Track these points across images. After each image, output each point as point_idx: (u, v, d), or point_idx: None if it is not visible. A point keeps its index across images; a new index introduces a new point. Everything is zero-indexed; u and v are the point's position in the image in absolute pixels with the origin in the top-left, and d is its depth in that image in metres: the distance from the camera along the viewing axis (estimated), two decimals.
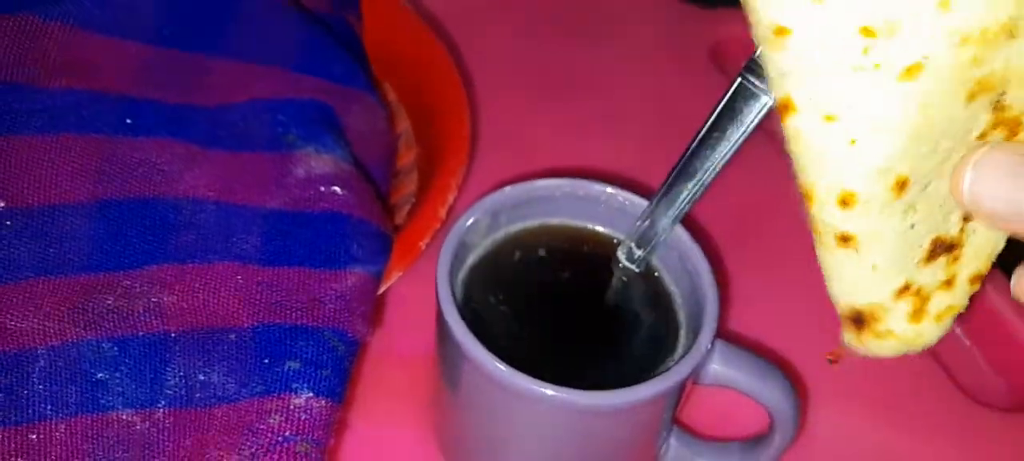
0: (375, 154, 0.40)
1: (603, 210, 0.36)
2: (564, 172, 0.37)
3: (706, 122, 0.32)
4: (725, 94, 0.32)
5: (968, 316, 0.45)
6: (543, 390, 0.29)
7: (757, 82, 0.31)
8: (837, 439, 0.40)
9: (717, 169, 0.32)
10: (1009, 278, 0.25)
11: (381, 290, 0.35)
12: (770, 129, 0.32)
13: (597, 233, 0.37)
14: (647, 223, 0.34)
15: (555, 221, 0.37)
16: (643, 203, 0.35)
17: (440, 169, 0.39)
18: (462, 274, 0.34)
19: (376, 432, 0.36)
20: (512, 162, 0.48)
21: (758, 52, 0.31)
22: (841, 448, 0.40)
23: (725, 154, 0.32)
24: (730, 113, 0.32)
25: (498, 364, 0.29)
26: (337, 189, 0.34)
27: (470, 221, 0.34)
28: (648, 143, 0.52)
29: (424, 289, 0.36)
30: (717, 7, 0.62)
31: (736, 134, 0.32)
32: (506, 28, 0.58)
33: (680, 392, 0.32)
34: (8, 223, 0.31)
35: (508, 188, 0.35)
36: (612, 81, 0.57)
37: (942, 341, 0.45)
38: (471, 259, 0.35)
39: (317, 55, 0.39)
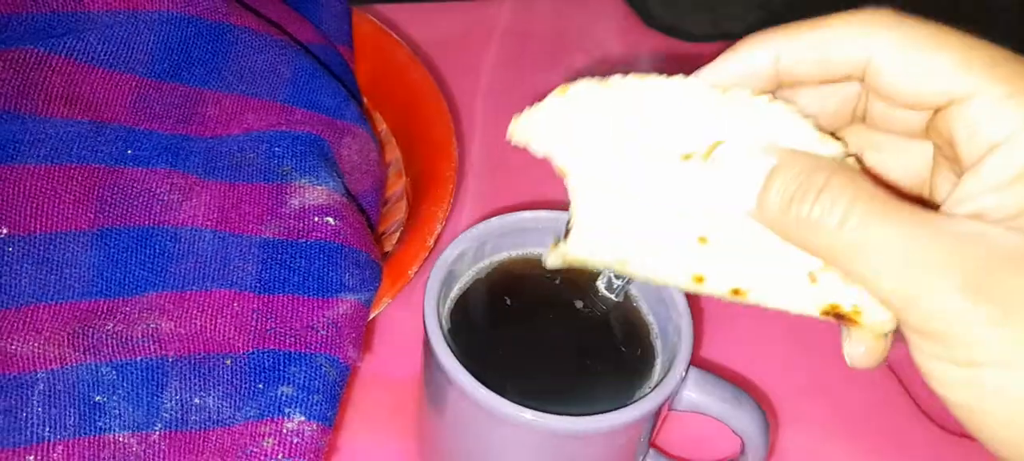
0: (366, 184, 0.41)
1: None
2: (548, 202, 0.39)
3: None
4: None
5: None
6: (525, 415, 0.30)
7: None
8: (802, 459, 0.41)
9: None
10: None
11: (371, 316, 0.36)
12: None
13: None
14: None
15: (538, 251, 0.38)
16: None
17: (428, 198, 0.41)
18: (449, 301, 0.36)
19: (364, 453, 0.37)
20: (499, 191, 0.49)
21: None
22: None
23: None
24: None
25: (481, 389, 0.30)
26: (330, 219, 0.35)
27: (457, 250, 0.35)
28: None
29: (412, 315, 0.37)
30: (698, 41, 0.65)
31: None
32: (492, 59, 0.60)
33: (656, 417, 0.34)
34: (10, 250, 0.32)
35: (494, 219, 0.36)
36: None
37: (909, 367, 0.47)
38: (458, 287, 0.36)
39: (310, 88, 0.40)
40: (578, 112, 0.26)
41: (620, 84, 0.26)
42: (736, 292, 0.25)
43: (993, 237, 0.21)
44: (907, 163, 0.26)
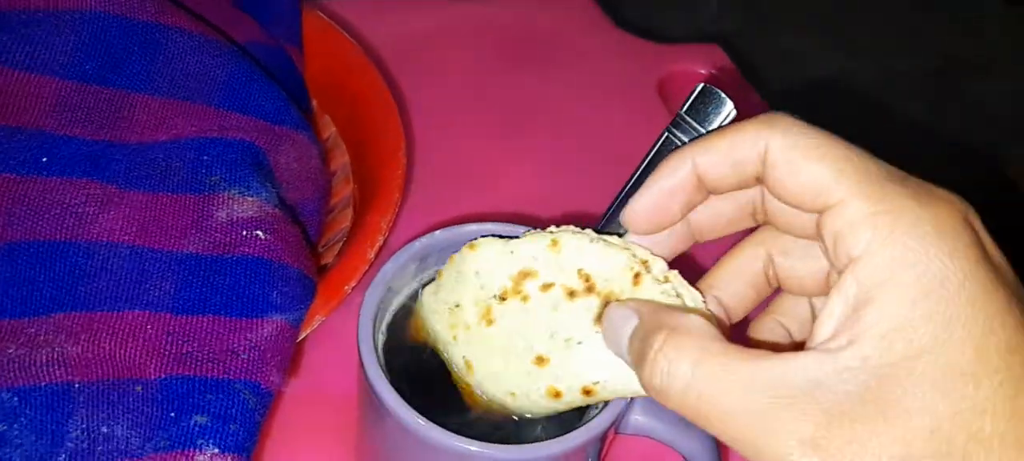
0: (307, 192, 0.39)
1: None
2: (506, 210, 0.37)
3: (633, 174, 0.33)
4: (652, 148, 0.32)
5: None
6: (465, 446, 0.29)
7: (682, 137, 0.31)
8: None
9: None
10: None
11: (302, 336, 0.34)
12: None
13: None
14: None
15: None
16: None
17: (372, 208, 0.39)
18: (387, 318, 0.34)
19: None
20: (451, 200, 0.48)
21: (683, 108, 0.31)
22: None
23: None
24: (656, 167, 0.32)
25: (418, 420, 0.29)
26: (260, 233, 0.34)
27: (397, 264, 0.33)
28: (594, 178, 0.52)
29: (352, 327, 0.36)
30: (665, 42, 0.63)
31: None
32: (453, 63, 0.58)
33: (603, 442, 0.32)
34: None
35: (438, 231, 0.35)
36: (558, 115, 0.57)
37: None
38: (397, 302, 0.34)
39: (247, 92, 0.38)
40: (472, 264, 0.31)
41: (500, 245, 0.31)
42: (587, 391, 0.29)
43: (829, 388, 0.22)
44: (811, 267, 0.28)
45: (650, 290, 0.29)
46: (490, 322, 0.30)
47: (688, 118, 0.31)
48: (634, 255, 0.29)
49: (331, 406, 0.38)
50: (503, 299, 0.30)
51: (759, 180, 0.26)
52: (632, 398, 0.31)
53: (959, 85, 1.12)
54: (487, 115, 0.55)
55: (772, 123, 0.25)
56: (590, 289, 0.30)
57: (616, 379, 0.29)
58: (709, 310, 0.29)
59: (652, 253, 0.30)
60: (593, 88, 0.59)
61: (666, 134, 0.32)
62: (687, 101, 0.31)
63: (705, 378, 0.23)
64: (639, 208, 0.29)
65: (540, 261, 0.30)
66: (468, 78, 0.57)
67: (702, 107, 0.31)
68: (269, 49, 0.44)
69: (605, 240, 0.30)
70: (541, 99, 0.57)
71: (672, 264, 0.30)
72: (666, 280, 0.29)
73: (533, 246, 0.30)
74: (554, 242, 0.30)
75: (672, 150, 0.32)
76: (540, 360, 0.30)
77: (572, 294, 0.30)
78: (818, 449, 0.21)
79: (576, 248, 0.30)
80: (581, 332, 0.29)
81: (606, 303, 0.29)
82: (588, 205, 0.49)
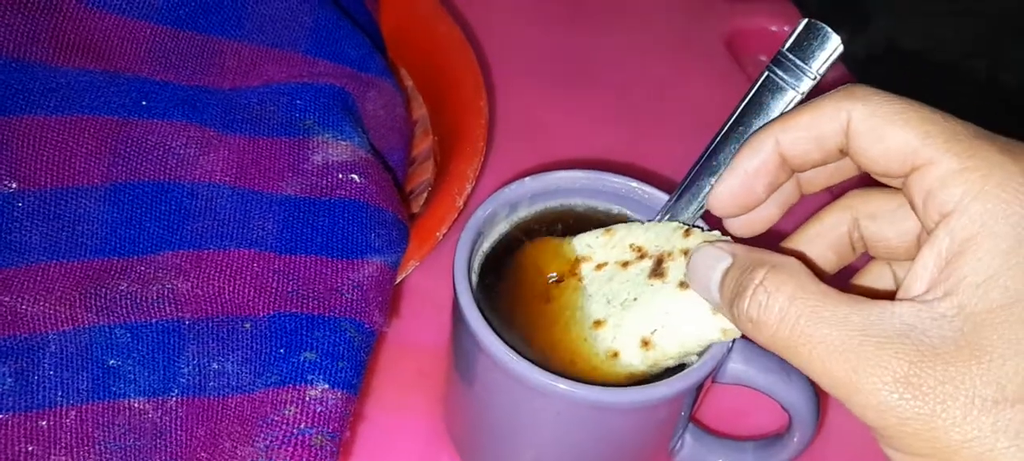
0: (392, 141, 0.39)
1: (622, 203, 0.36)
2: (578, 163, 0.37)
3: (731, 116, 0.32)
4: (751, 87, 0.31)
5: None
6: (560, 386, 0.29)
7: (785, 76, 0.30)
8: (851, 440, 0.39)
9: None
10: None
11: (398, 280, 0.34)
12: None
13: (620, 217, 0.36)
14: (668, 217, 0.34)
15: (574, 205, 0.36)
16: (663, 196, 0.34)
17: (457, 157, 0.39)
18: (478, 264, 0.34)
19: (388, 422, 0.36)
20: (526, 152, 0.47)
21: (785, 45, 0.30)
22: (854, 449, 0.39)
23: None
24: (756, 107, 0.31)
25: (515, 357, 0.29)
26: (355, 177, 0.34)
27: (488, 211, 0.33)
28: (663, 134, 0.52)
29: (437, 279, 0.36)
30: None
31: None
32: (521, 17, 0.58)
33: (699, 390, 0.32)
34: (20, 205, 0.31)
35: (528, 179, 0.34)
36: (628, 71, 0.56)
37: None
38: (487, 249, 0.34)
39: (333, 39, 0.38)
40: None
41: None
42: (645, 343, 0.30)
43: (923, 332, 0.22)
44: (899, 229, 0.29)
45: (702, 241, 0.30)
46: (548, 300, 0.32)
47: (791, 55, 0.30)
48: (681, 223, 0.31)
49: (415, 359, 0.38)
50: (560, 281, 0.32)
51: (843, 152, 0.27)
52: (731, 347, 0.31)
53: None
54: (555, 69, 0.55)
55: (852, 94, 0.25)
56: (642, 256, 0.31)
57: (673, 325, 0.29)
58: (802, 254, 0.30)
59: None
60: (662, 44, 0.58)
61: (767, 73, 0.31)
62: (790, 37, 0.30)
63: (802, 312, 0.23)
64: (724, 191, 0.29)
65: (594, 247, 0.32)
66: (535, 32, 0.57)
67: (807, 43, 0.30)
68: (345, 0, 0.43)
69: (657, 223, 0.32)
70: (610, 52, 0.57)
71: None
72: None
73: (588, 237, 0.32)
74: (608, 230, 0.32)
75: (773, 89, 0.31)
76: (597, 324, 0.30)
77: (625, 265, 0.30)
78: (910, 387, 0.21)
79: (626, 229, 0.31)
80: (636, 291, 0.30)
81: (659, 262, 0.30)
82: (660, 158, 0.49)
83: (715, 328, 0.28)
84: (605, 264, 0.31)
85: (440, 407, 0.37)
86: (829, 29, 0.30)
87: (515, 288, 0.32)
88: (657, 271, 0.30)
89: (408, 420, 0.36)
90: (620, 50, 0.57)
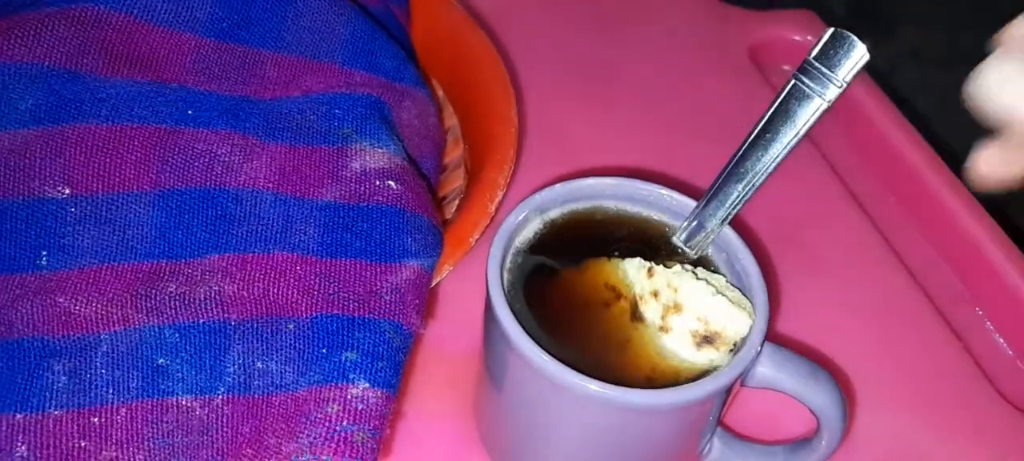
0: (426, 149, 0.40)
1: (651, 208, 0.36)
2: (604, 170, 0.37)
3: (758, 123, 0.32)
4: (778, 95, 0.32)
5: (1012, 328, 0.45)
6: (591, 386, 0.29)
7: (811, 84, 0.31)
8: (880, 444, 0.40)
9: (769, 171, 0.32)
10: None
11: (433, 284, 0.35)
12: (813, 136, 0.32)
13: (649, 221, 0.36)
14: (695, 223, 0.34)
15: (602, 207, 0.36)
16: (691, 203, 0.35)
17: (488, 164, 0.39)
18: (508, 268, 0.35)
19: (418, 425, 0.37)
20: (553, 159, 0.48)
21: (812, 54, 0.31)
22: (883, 453, 0.39)
23: (777, 156, 0.32)
24: (783, 115, 0.32)
25: (546, 357, 0.29)
26: (392, 183, 0.35)
27: (520, 216, 0.34)
28: (688, 142, 0.52)
29: (467, 286, 0.36)
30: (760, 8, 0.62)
31: (789, 136, 0.32)
32: (545, 26, 0.58)
33: (728, 393, 0.32)
34: (73, 210, 0.32)
35: (558, 185, 0.35)
36: (651, 80, 0.57)
37: (987, 350, 0.45)
38: (518, 252, 0.35)
39: (368, 50, 0.39)
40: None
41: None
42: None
43: None
44: None
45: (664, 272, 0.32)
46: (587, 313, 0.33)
47: (817, 64, 0.31)
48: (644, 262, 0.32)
49: (447, 365, 0.38)
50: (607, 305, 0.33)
51: None
52: (760, 350, 0.31)
53: None
54: (578, 78, 0.55)
55: None
56: (618, 297, 0.32)
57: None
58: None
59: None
60: (685, 53, 0.59)
61: (793, 81, 0.31)
62: (816, 46, 0.31)
63: None
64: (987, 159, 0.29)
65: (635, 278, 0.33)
66: (560, 41, 0.58)
67: (833, 51, 0.30)
68: (378, 10, 0.44)
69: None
70: (633, 61, 0.57)
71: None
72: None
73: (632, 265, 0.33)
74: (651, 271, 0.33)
75: (800, 97, 0.31)
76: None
77: (607, 305, 0.32)
78: None
79: (666, 274, 0.32)
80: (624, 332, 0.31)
81: (634, 303, 0.32)
82: (685, 166, 0.49)
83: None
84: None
85: (470, 411, 0.38)
86: (855, 38, 0.30)
87: (553, 297, 0.33)
88: (635, 315, 0.32)
89: (438, 424, 0.37)
90: (643, 59, 0.58)
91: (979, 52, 0.29)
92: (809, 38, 0.60)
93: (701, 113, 0.55)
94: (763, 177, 0.33)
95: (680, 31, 0.60)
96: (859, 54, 0.30)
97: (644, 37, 0.59)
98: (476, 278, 0.31)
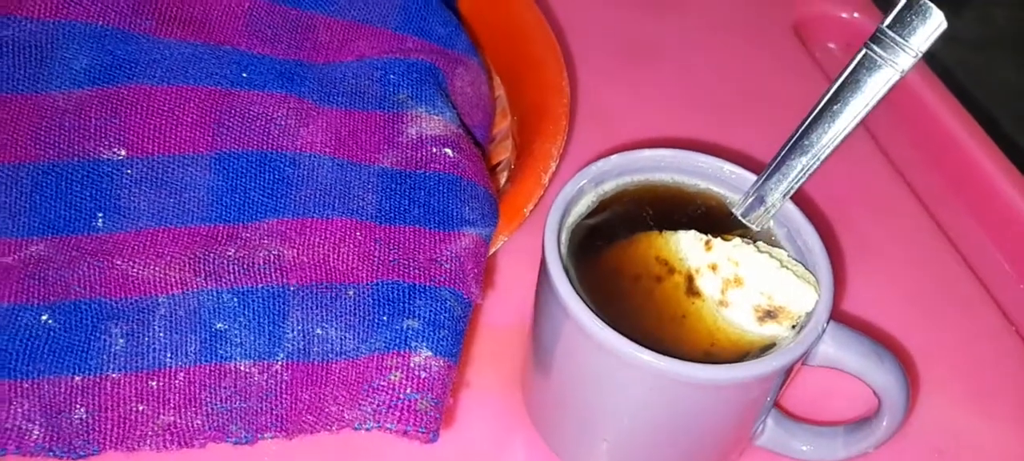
0: (477, 118, 0.39)
1: (709, 181, 0.36)
2: (650, 143, 0.36)
3: (825, 94, 0.31)
4: (848, 65, 0.31)
5: None
6: (646, 357, 0.28)
7: (883, 53, 0.30)
8: (935, 430, 0.39)
9: (835, 144, 0.32)
10: None
11: (489, 254, 0.34)
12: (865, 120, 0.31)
13: (705, 194, 0.36)
14: (755, 197, 0.33)
15: (661, 179, 0.35)
16: (750, 176, 0.34)
17: (540, 136, 0.39)
18: (564, 239, 0.34)
19: (467, 397, 0.36)
20: (600, 137, 0.47)
21: (885, 22, 0.30)
22: (938, 438, 0.39)
23: (846, 128, 0.31)
24: (852, 85, 0.31)
25: (604, 327, 0.29)
26: (448, 151, 0.34)
27: (576, 187, 0.33)
28: (733, 119, 0.51)
29: (516, 257, 0.36)
30: None
31: (859, 107, 0.31)
32: (590, 4, 0.58)
33: (788, 372, 0.32)
34: (129, 172, 0.32)
35: (615, 156, 0.34)
36: (696, 56, 0.56)
37: None
38: (572, 224, 0.34)
39: (421, 16, 0.39)
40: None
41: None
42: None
43: None
44: None
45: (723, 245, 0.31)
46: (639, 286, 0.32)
47: (891, 32, 0.30)
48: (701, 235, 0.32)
49: (494, 339, 0.38)
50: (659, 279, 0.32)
51: None
52: (825, 329, 0.31)
53: None
54: (623, 56, 0.55)
55: None
56: (671, 271, 0.31)
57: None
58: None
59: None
60: (730, 30, 0.58)
61: (864, 51, 0.30)
62: (890, 14, 0.30)
63: None
64: None
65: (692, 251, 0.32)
66: (606, 14, 0.57)
67: (908, 18, 0.29)
68: None
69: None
70: (679, 35, 0.57)
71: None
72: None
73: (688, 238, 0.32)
74: (708, 243, 0.32)
75: (870, 66, 0.30)
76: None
77: (659, 279, 0.31)
78: None
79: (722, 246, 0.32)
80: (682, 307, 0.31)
81: (689, 277, 0.31)
82: (731, 140, 0.48)
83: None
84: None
85: (517, 385, 0.37)
86: (932, 4, 0.29)
87: (603, 270, 0.32)
88: (691, 289, 0.31)
89: (486, 397, 0.36)
90: (688, 35, 0.57)
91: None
92: (855, 15, 0.59)
93: (745, 90, 0.54)
94: (829, 150, 0.32)
95: (724, 8, 0.59)
96: (936, 22, 0.29)
97: (689, 15, 0.59)
98: (524, 250, 0.31)
